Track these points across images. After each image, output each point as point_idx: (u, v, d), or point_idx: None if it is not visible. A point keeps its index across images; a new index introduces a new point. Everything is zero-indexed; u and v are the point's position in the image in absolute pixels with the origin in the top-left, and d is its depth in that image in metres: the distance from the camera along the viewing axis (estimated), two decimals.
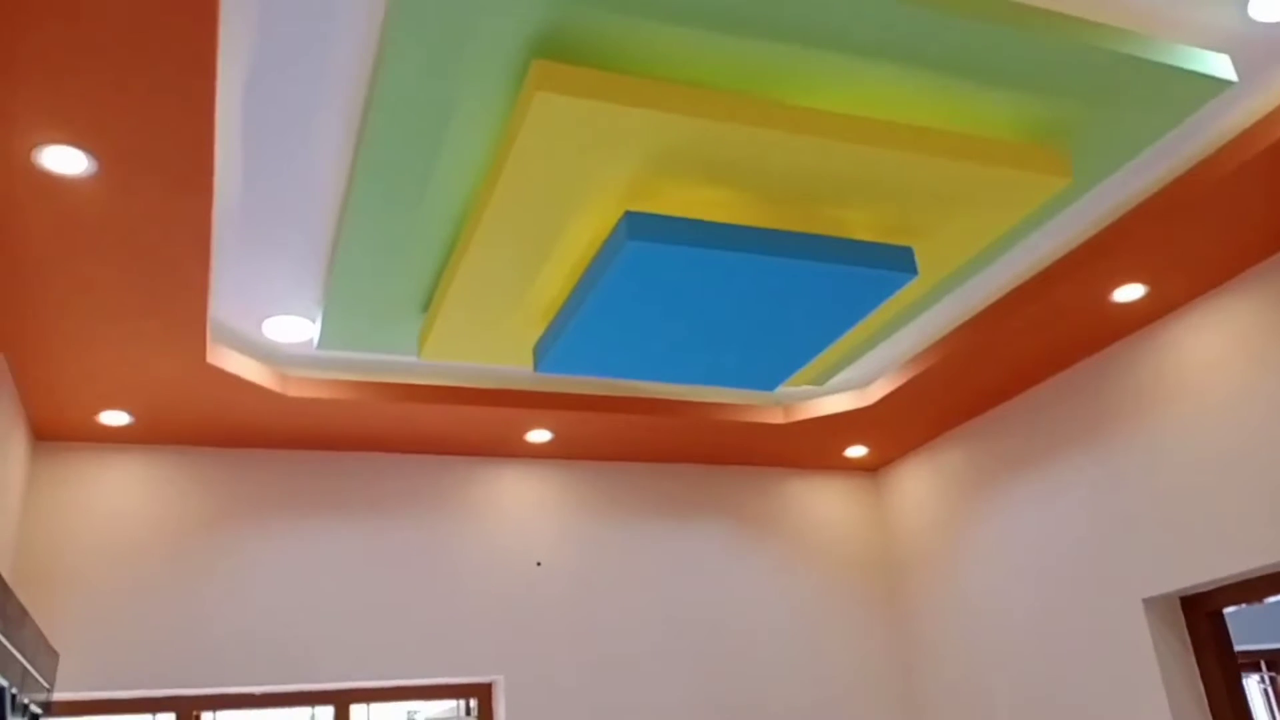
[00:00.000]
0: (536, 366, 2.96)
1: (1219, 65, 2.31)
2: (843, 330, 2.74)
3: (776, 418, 4.31)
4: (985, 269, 3.26)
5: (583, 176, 2.26)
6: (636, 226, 2.27)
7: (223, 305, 3.17)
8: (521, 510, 4.39)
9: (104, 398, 3.46)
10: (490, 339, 3.04)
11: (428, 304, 3.03)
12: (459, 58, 2.01)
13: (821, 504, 4.96)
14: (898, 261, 2.49)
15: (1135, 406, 3.65)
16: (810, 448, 4.67)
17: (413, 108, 2.16)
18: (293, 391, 3.59)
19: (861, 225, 2.56)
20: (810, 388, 4.17)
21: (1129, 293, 3.35)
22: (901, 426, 4.48)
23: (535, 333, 3.03)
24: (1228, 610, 3.55)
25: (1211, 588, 3.48)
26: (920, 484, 4.78)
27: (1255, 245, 3.12)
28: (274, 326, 3.30)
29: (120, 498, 3.81)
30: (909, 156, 2.28)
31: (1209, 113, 2.59)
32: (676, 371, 3.01)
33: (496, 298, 2.79)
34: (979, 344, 3.66)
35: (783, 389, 4.16)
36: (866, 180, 2.37)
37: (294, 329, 3.32)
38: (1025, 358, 3.82)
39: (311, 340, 3.41)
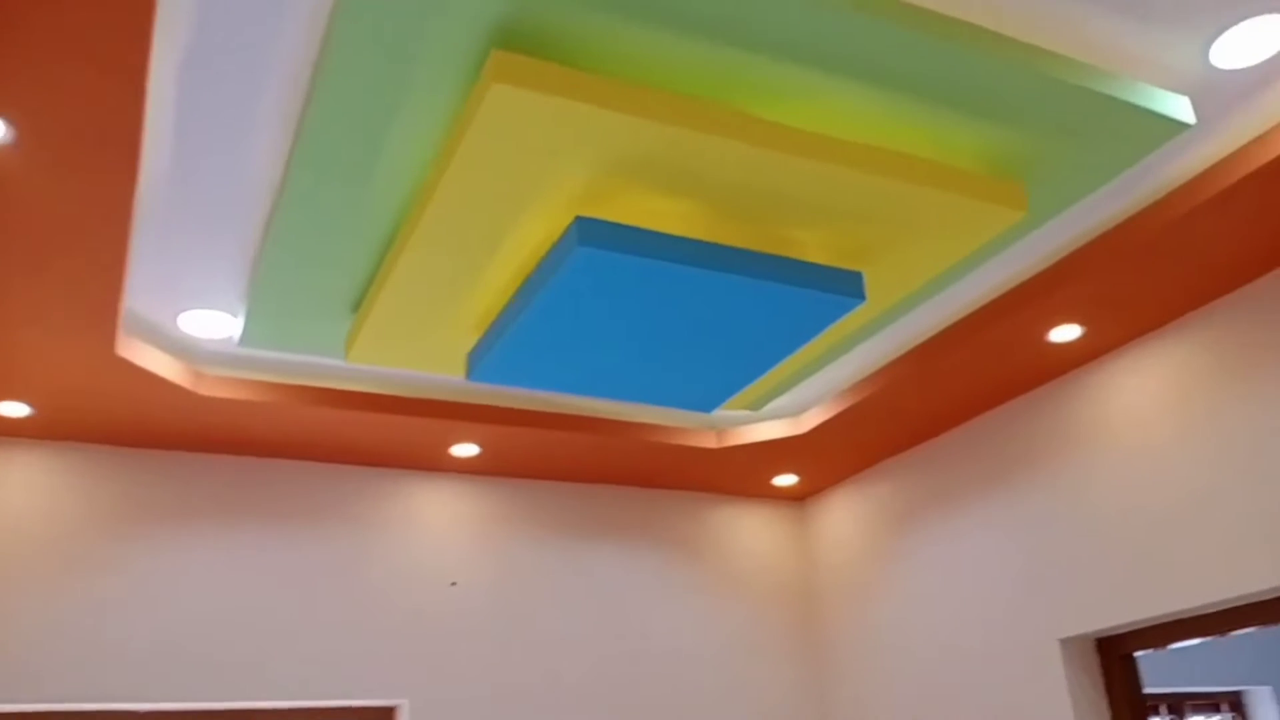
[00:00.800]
0: (469, 375, 2.85)
1: (1179, 107, 2.33)
2: (787, 353, 2.69)
3: (709, 442, 4.25)
4: (927, 301, 3.26)
5: (534, 176, 2.17)
6: (587, 232, 2.19)
7: (139, 294, 2.98)
8: (442, 527, 4.24)
9: (2, 386, 3.22)
10: (422, 344, 2.91)
11: (359, 304, 2.90)
12: (412, 44, 1.91)
13: (748, 532, 4.90)
14: (847, 286, 2.45)
15: (1064, 447, 3.69)
16: (740, 474, 4.62)
17: (359, 96, 2.04)
18: (205, 390, 3.39)
19: (813, 246, 2.52)
20: (745, 413, 4.13)
21: (1065, 333, 3.38)
22: (832, 457, 4.47)
23: (470, 340, 2.91)
24: (1138, 654, 3.59)
25: (1126, 631, 3.51)
26: (847, 516, 4.76)
27: (1192, 292, 3.17)
28: (192, 320, 3.12)
29: (15, 495, 3.56)
30: (866, 178, 2.25)
31: (1159, 156, 2.63)
32: (614, 388, 2.92)
33: (431, 301, 2.67)
34: (914, 377, 3.66)
35: (718, 412, 4.11)
36: (822, 199, 2.33)
37: (213, 324, 3.14)
38: (959, 393, 3.84)
39: (232, 337, 3.24)
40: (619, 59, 1.99)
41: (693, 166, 2.18)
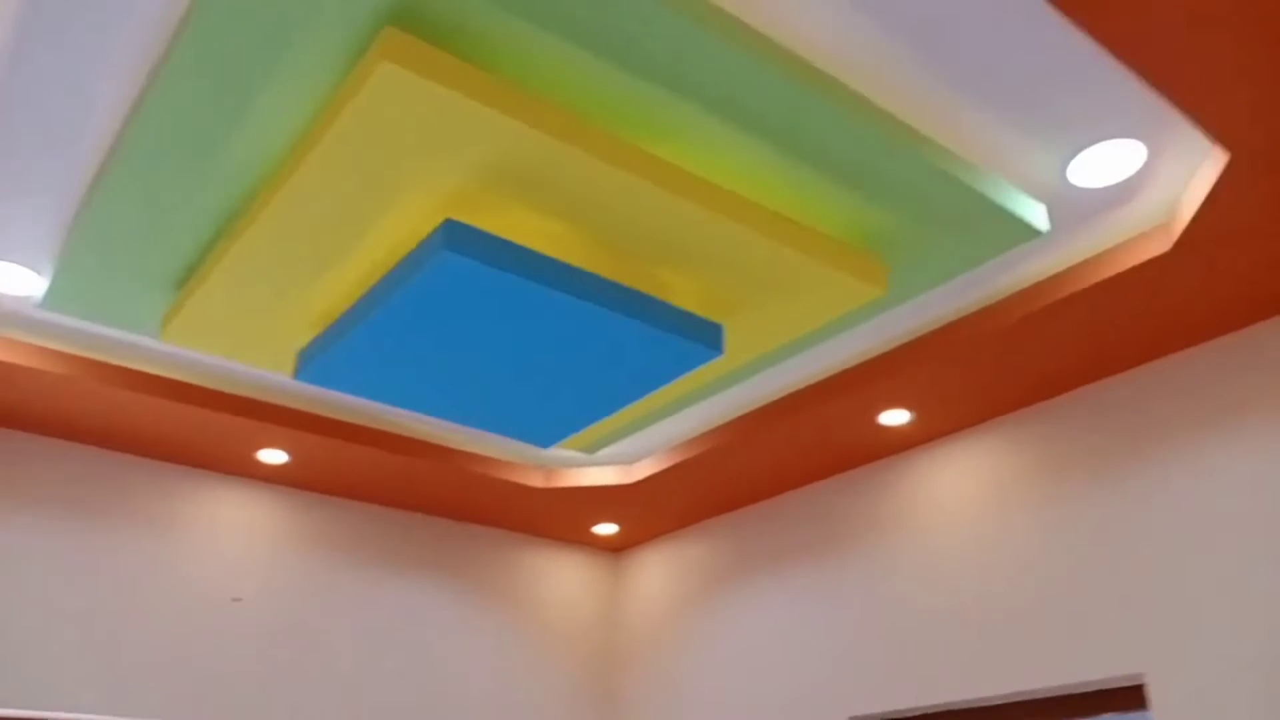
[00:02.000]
0: (298, 374, 2.64)
1: (1036, 214, 2.45)
2: (637, 396, 2.64)
3: (535, 481, 4.13)
4: (772, 366, 3.29)
5: (407, 169, 2.03)
6: (455, 237, 2.07)
7: None
8: (235, 537, 3.91)
9: None
10: (249, 332, 2.68)
11: (185, 280, 2.64)
12: (296, 3, 1.76)
13: (560, 578, 4.78)
14: (708, 336, 2.43)
15: (878, 529, 3.79)
16: (562, 518, 4.51)
17: (227, 53, 1.86)
18: None
19: (680, 291, 2.49)
20: (578, 454, 4.04)
21: (895, 417, 3.49)
22: (656, 510, 4.43)
23: (304, 336, 2.71)
24: None
25: (914, 715, 3.61)
26: (661, 572, 4.73)
27: (1016, 393, 3.34)
28: None
29: None
30: (741, 229, 2.24)
31: (1005, 258, 2.76)
32: (450, 409, 2.78)
33: (269, 287, 2.46)
34: (748, 440, 3.68)
35: (551, 450, 4.00)
36: (695, 244, 2.30)
37: (14, 279, 2.80)
38: (788, 462, 3.89)
39: (33, 297, 2.89)
40: (515, 63, 1.90)
41: (573, 187, 2.10)
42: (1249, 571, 2.75)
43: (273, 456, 3.78)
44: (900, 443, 3.72)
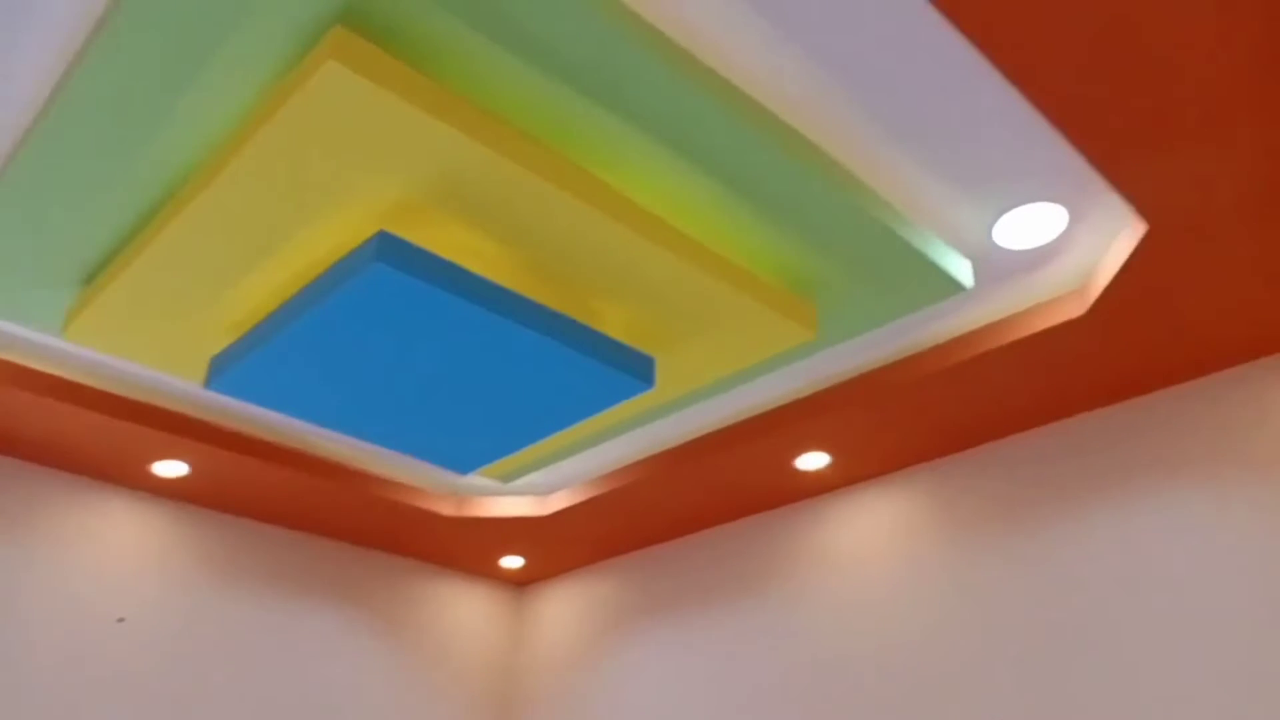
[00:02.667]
0: (209, 382, 2.53)
1: (962, 269, 2.51)
2: (563, 425, 2.60)
3: (446, 508, 4.03)
4: (695, 404, 3.29)
5: (344, 174, 1.97)
6: (388, 249, 2.01)
7: None
8: (124, 553, 3.71)
9: None
10: (159, 335, 2.56)
11: (93, 277, 2.51)
12: None
13: (463, 611, 4.66)
14: (639, 369, 2.41)
15: (792, 570, 3.80)
16: (469, 548, 4.41)
17: (160, 41, 1.78)
18: None
19: (613, 321, 2.47)
20: (494, 483, 3.96)
21: (812, 461, 3.52)
22: (566, 544, 4.37)
23: (219, 342, 2.59)
24: None
25: None
26: (566, 609, 4.65)
27: (934, 443, 3.40)
28: None
29: None
30: (678, 262, 2.23)
31: (928, 311, 2.82)
32: (368, 428, 2.69)
33: (186, 288, 2.35)
34: (666, 477, 3.66)
35: (467, 478, 3.92)
36: (631, 274, 2.29)
37: None
38: (705, 500, 3.88)
39: None
40: (465, 76, 1.87)
41: (514, 207, 2.07)
42: (1155, 629, 2.83)
43: (170, 469, 3.61)
44: (816, 487, 3.75)
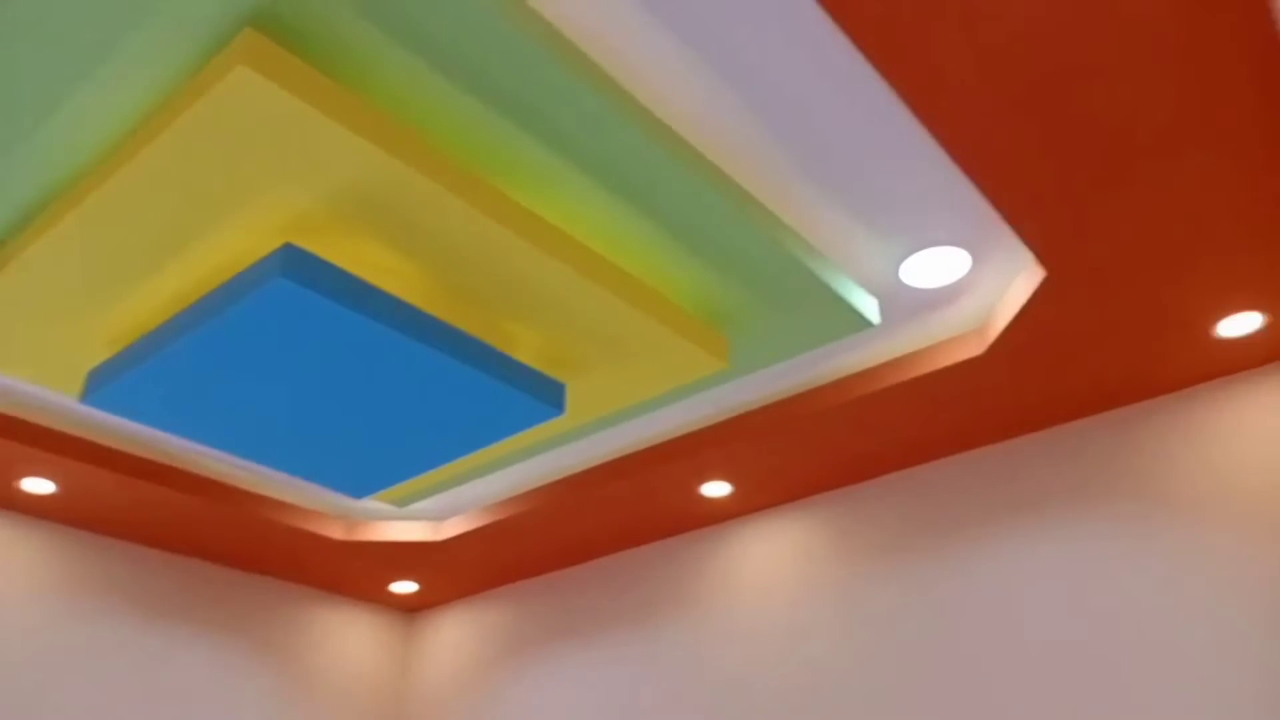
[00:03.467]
0: (85, 396, 2.37)
1: (870, 307, 2.55)
2: (468, 451, 2.52)
3: (336, 532, 3.88)
4: (600, 431, 3.25)
5: (248, 183, 1.87)
6: (293, 263, 1.92)
7: None
8: None
9: None
10: (34, 345, 2.38)
11: None
12: None
13: (350, 637, 4.49)
14: (550, 395, 2.36)
15: (692, 597, 3.78)
16: (359, 573, 4.25)
17: (62, 23, 1.67)
18: None
19: (524, 345, 2.41)
20: (387, 506, 3.83)
21: (716, 489, 3.52)
22: (461, 570, 4.26)
23: (98, 355, 2.44)
24: None
25: None
26: (460, 636, 4.53)
27: (836, 474, 3.44)
28: None
29: None
30: (593, 288, 2.20)
31: (838, 346, 2.85)
32: (260, 449, 2.56)
33: (65, 297, 2.20)
34: (568, 504, 3.61)
35: (361, 501, 3.78)
36: (545, 297, 2.24)
37: None
38: (607, 527, 3.84)
39: None
40: (381, 87, 1.80)
41: (427, 224, 2.00)
42: (1045, 659, 2.91)
43: (38, 486, 3.37)
44: (719, 514, 3.75)
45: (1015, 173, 2.03)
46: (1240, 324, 2.59)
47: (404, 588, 4.44)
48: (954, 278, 2.58)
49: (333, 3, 1.62)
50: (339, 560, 4.09)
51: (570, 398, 2.65)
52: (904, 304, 2.68)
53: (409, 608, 4.73)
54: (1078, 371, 2.81)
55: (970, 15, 1.64)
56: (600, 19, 1.80)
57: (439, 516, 3.93)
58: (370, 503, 3.80)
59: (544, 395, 2.34)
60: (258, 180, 1.87)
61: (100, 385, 2.31)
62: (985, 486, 3.21)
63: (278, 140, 1.77)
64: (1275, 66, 1.79)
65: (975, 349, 2.76)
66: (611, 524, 3.80)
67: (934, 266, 2.53)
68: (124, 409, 2.33)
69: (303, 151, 1.80)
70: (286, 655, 4.22)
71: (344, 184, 1.89)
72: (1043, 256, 2.31)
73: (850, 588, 3.38)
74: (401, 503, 3.38)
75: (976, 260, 2.51)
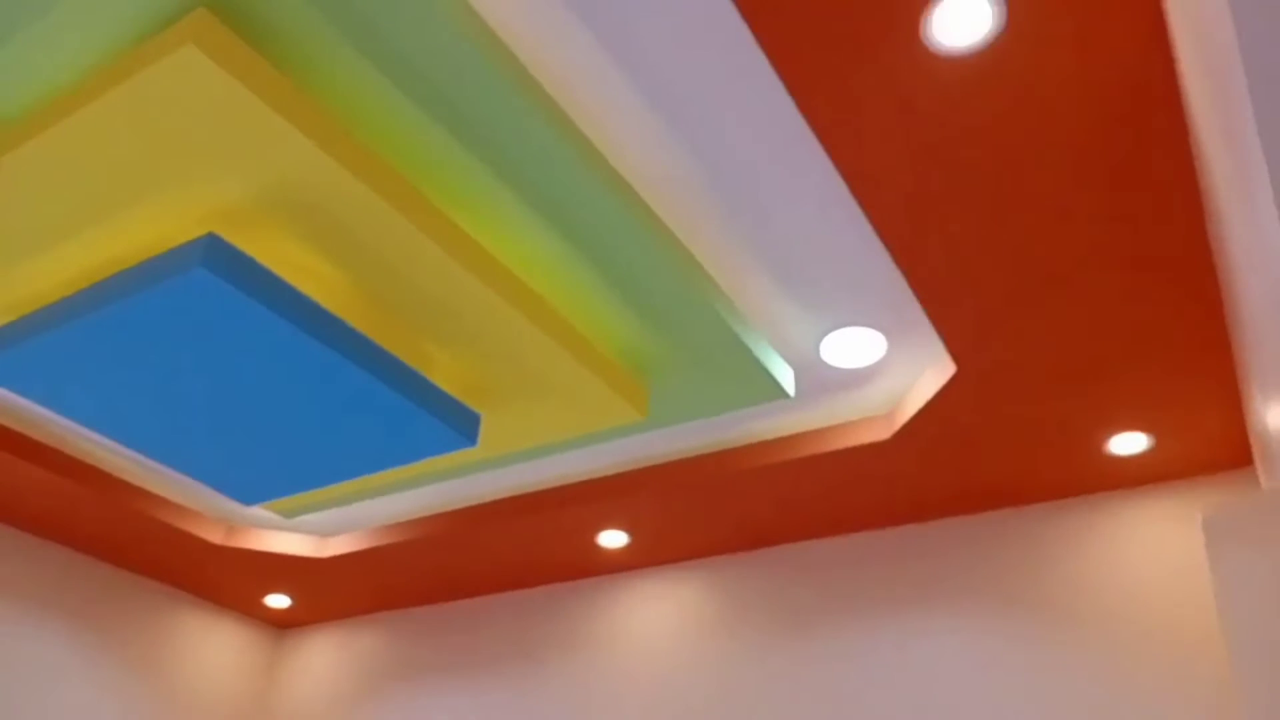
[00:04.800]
0: None
1: (787, 377, 2.59)
2: (370, 471, 2.46)
3: (215, 535, 3.73)
4: (506, 467, 3.21)
5: (177, 165, 1.82)
6: (215, 255, 1.86)
7: None
8: None
9: None
10: None
11: None
12: None
13: (213, 646, 4.30)
14: (464, 424, 2.32)
15: (577, 644, 3.73)
16: (232, 581, 4.09)
17: None
18: None
19: (443, 369, 2.38)
20: (274, 516, 3.70)
21: (613, 539, 3.50)
22: (340, 590, 4.13)
23: None
24: None
25: None
26: (328, 658, 4.38)
27: (733, 538, 3.45)
28: None
29: None
30: (521, 320, 2.18)
31: (751, 412, 2.88)
32: (149, 441, 2.45)
33: None
34: (461, 536, 3.54)
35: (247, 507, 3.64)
36: (471, 323, 2.21)
37: None
38: (498, 564, 3.77)
39: None
40: (326, 84, 1.76)
41: (357, 231, 1.97)
42: None
43: None
44: (613, 565, 3.72)
45: (941, 273, 2.09)
46: (1130, 443, 2.71)
47: (278, 602, 4.28)
48: (870, 361, 2.64)
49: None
50: (214, 565, 3.92)
51: (487, 427, 2.61)
52: (820, 379, 2.73)
53: (281, 623, 4.56)
54: (977, 467, 2.90)
55: (913, 117, 1.71)
56: (564, 57, 1.82)
57: (325, 532, 3.82)
58: (255, 510, 3.66)
59: (458, 424, 2.30)
60: (190, 163, 1.81)
61: None
62: (879, 568, 3.26)
63: (216, 125, 1.72)
64: (1193, 199, 1.90)
65: (882, 433, 2.82)
66: (502, 562, 3.74)
67: (853, 347, 2.58)
68: (11, 380, 2.21)
69: (240, 140, 1.75)
70: (144, 656, 4.01)
71: (277, 179, 1.84)
72: (955, 353, 2.38)
73: (734, 655, 3.38)
74: (289, 514, 3.28)
75: (893, 346, 2.58)
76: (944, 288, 2.15)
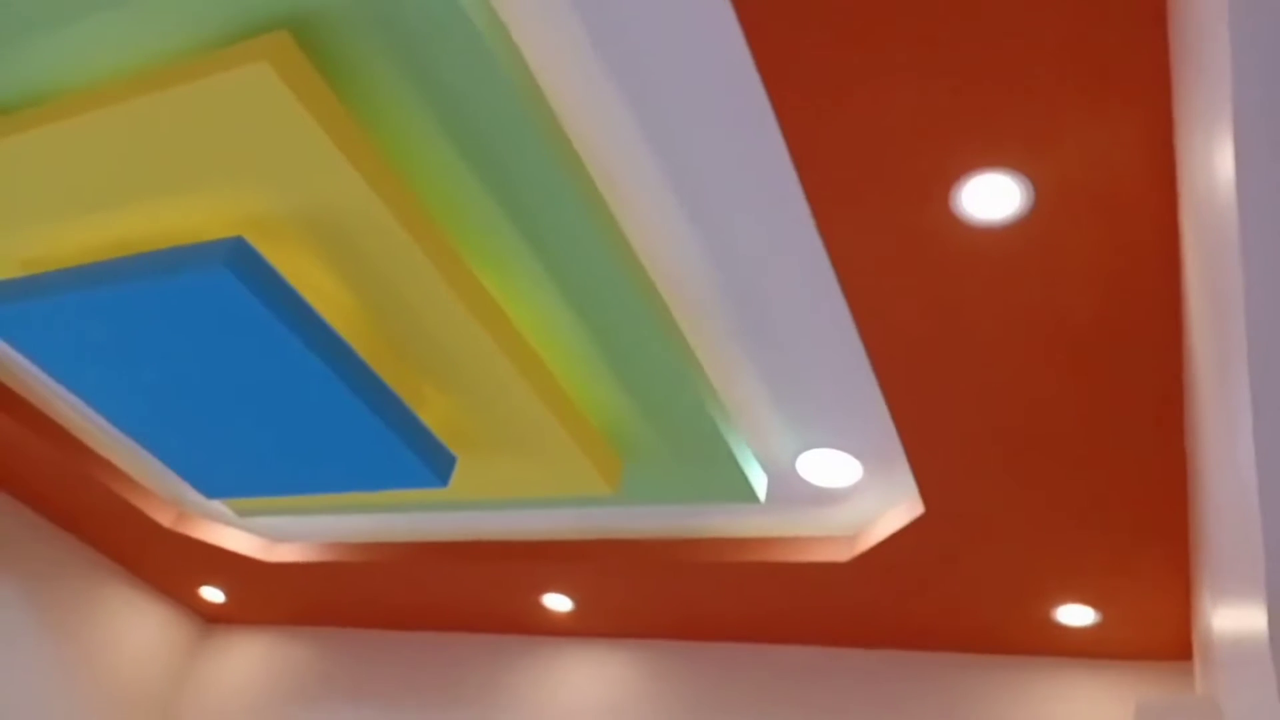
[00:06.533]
0: None
1: (759, 482, 2.63)
2: (339, 490, 2.47)
3: (164, 517, 3.71)
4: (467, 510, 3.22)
5: (223, 169, 1.87)
6: (240, 259, 1.90)
7: None
8: None
9: None
10: None
11: None
12: None
13: (136, 625, 4.23)
14: (439, 464, 2.35)
15: (496, 701, 3.69)
16: (172, 565, 4.05)
17: None
18: None
19: (433, 410, 2.41)
20: (228, 511, 3.69)
21: (558, 602, 3.50)
22: (277, 597, 4.09)
23: (6, 269, 2.34)
24: None
25: None
26: (251, 661, 4.31)
27: (677, 624, 3.45)
28: None
29: None
30: (517, 377, 2.22)
31: (719, 508, 2.92)
32: (127, 418, 2.45)
33: (7, 198, 2.12)
34: (410, 568, 3.53)
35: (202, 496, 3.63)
36: (469, 370, 2.25)
37: None
38: (439, 604, 3.76)
39: None
40: (382, 123, 1.83)
41: (381, 266, 2.02)
42: None
43: None
44: (553, 627, 3.71)
45: (927, 418, 2.15)
46: (1077, 615, 2.75)
47: (213, 595, 4.23)
48: (843, 484, 2.69)
49: (366, 35, 1.67)
50: (158, 547, 3.89)
51: (461, 471, 2.63)
52: (791, 491, 2.77)
53: (211, 616, 4.50)
54: (929, 608, 2.93)
55: (931, 273, 1.78)
56: (605, 139, 1.89)
57: (274, 537, 3.80)
58: (210, 502, 3.65)
59: (434, 463, 2.33)
60: (236, 168, 1.87)
61: None
62: (813, 684, 3.27)
63: (272, 140, 1.78)
64: (1176, 401, 1.97)
65: (842, 554, 2.85)
66: (444, 603, 3.72)
67: (829, 467, 2.63)
68: (10, 332, 2.23)
69: (291, 159, 1.81)
70: (68, 623, 3.95)
71: (317, 202, 1.90)
72: (926, 495, 2.43)
73: None
74: (244, 513, 3.27)
75: (868, 474, 2.63)
76: (927, 432, 2.21)
